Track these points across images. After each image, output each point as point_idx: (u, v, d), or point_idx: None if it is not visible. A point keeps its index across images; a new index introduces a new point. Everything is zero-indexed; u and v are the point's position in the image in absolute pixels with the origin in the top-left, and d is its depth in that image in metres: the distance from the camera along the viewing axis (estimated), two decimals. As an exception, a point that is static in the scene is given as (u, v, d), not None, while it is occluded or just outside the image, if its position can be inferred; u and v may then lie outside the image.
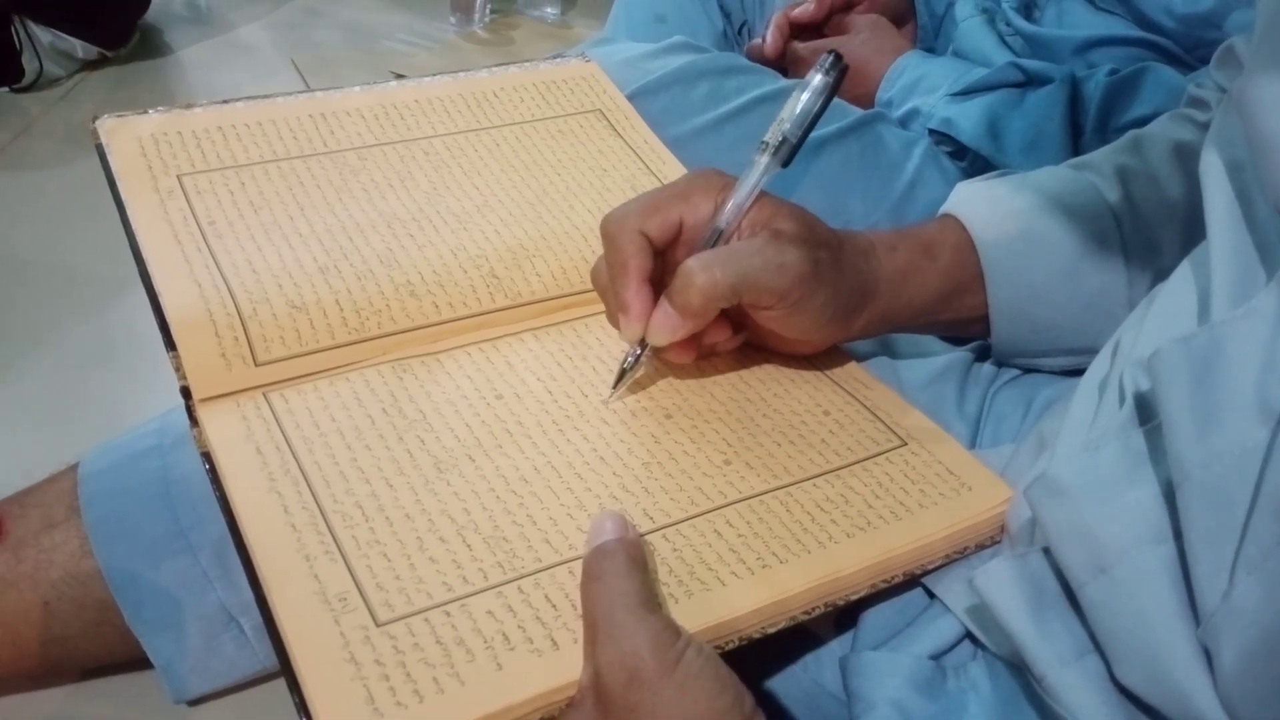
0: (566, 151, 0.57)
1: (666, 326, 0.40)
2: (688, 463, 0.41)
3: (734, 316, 0.43)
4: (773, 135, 0.42)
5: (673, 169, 0.57)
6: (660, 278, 0.41)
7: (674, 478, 0.40)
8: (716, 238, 0.41)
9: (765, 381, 0.45)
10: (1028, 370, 0.50)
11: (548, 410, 0.43)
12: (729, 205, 0.41)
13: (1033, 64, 0.65)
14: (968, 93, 0.66)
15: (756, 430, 0.43)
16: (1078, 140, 0.63)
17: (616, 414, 0.43)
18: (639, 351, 0.42)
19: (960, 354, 0.51)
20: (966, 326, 0.47)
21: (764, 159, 0.42)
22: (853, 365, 0.46)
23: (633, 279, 0.40)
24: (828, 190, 0.64)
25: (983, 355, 0.51)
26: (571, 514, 0.38)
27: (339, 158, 0.53)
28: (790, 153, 0.42)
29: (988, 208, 0.46)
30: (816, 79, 0.42)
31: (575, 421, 0.42)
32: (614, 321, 0.43)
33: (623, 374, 0.43)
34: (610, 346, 0.47)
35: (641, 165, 0.57)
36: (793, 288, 0.39)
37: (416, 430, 0.41)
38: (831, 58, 0.42)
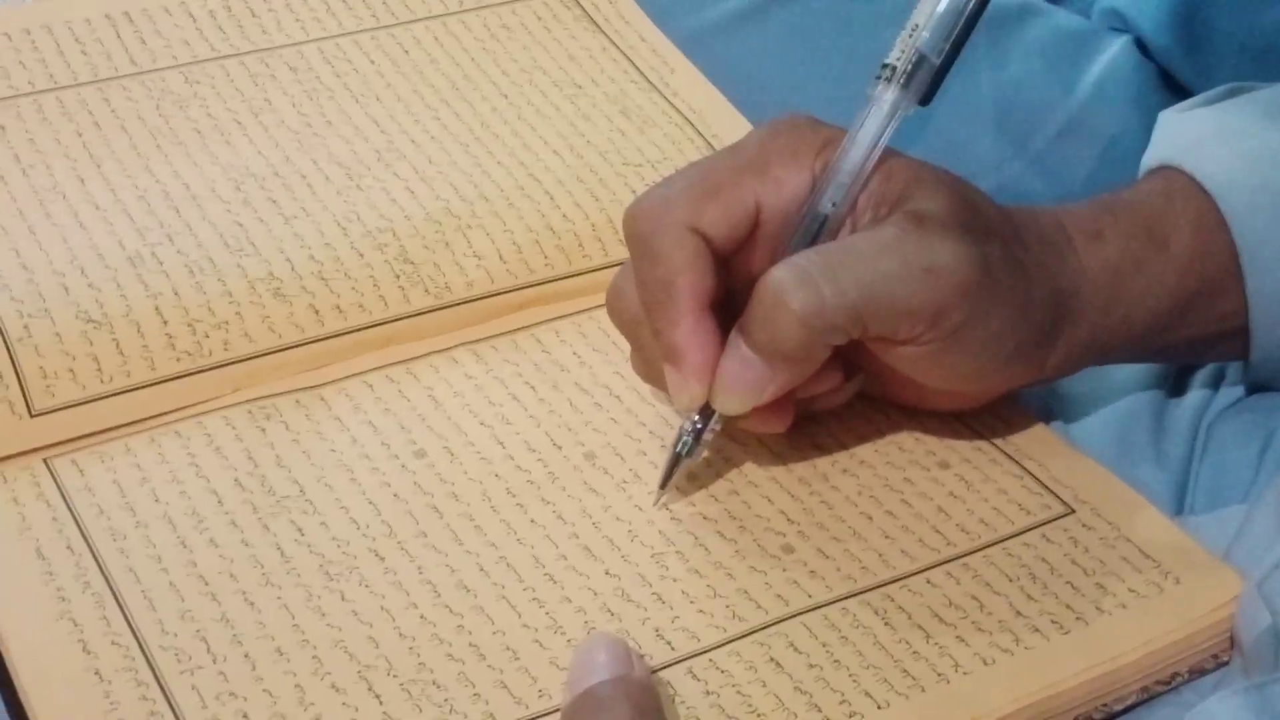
0: (519, 57, 0.57)
1: (745, 383, 0.40)
2: (725, 551, 0.41)
3: (848, 354, 0.42)
4: (901, 54, 0.41)
5: (688, 82, 0.56)
6: (724, 302, 0.41)
7: (703, 576, 0.40)
8: (818, 229, 0.41)
9: (846, 417, 0.45)
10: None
11: (499, 474, 0.43)
12: (835, 175, 0.41)
13: None
14: None
15: (834, 495, 0.43)
16: None
17: (611, 477, 0.43)
18: (700, 425, 0.42)
19: (1154, 371, 0.51)
20: (1210, 347, 0.47)
21: (890, 94, 0.41)
22: None
23: (686, 309, 0.40)
24: (938, 124, 0.62)
25: (1184, 372, 0.51)
26: (541, 640, 0.38)
27: (156, 81, 0.53)
28: (931, 81, 0.41)
29: (1228, 151, 0.45)
30: None
31: (544, 490, 0.42)
32: (647, 375, 0.43)
33: (675, 464, 0.42)
34: (598, 368, 0.47)
35: (638, 76, 0.57)
36: (951, 305, 0.39)
37: (290, 513, 0.41)
38: None
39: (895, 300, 0.39)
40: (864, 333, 0.39)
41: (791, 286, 0.38)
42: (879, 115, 0.41)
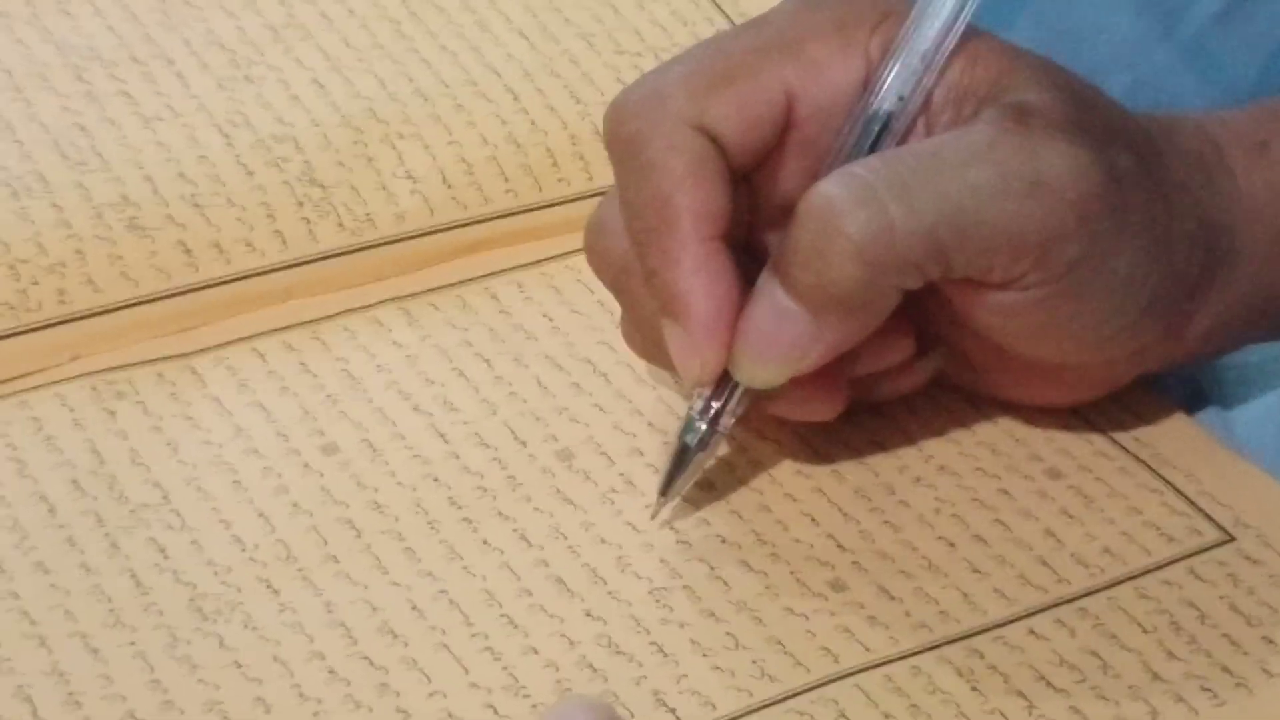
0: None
1: (780, 344, 0.39)
2: (751, 587, 0.40)
3: (923, 315, 0.42)
4: None
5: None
6: (746, 236, 0.41)
7: (721, 620, 0.39)
8: (879, 132, 0.40)
9: (919, 406, 0.45)
10: None
11: (439, 478, 0.42)
12: (901, 59, 0.40)
13: None
14: None
15: (902, 513, 0.42)
16: None
17: (594, 484, 0.42)
18: (715, 405, 0.41)
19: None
20: None
21: None
22: None
23: (689, 236, 0.39)
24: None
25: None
26: (496, 705, 0.36)
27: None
28: None
29: None
30: None
31: (501, 500, 0.41)
32: (644, 346, 0.43)
33: (681, 458, 0.41)
34: (576, 335, 0.46)
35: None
36: (1067, 232, 0.38)
37: (150, 528, 0.40)
38: None
39: (990, 224, 0.38)
40: (946, 271, 0.39)
41: (848, 206, 0.37)
42: None
